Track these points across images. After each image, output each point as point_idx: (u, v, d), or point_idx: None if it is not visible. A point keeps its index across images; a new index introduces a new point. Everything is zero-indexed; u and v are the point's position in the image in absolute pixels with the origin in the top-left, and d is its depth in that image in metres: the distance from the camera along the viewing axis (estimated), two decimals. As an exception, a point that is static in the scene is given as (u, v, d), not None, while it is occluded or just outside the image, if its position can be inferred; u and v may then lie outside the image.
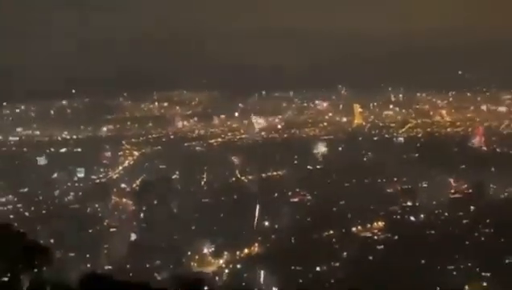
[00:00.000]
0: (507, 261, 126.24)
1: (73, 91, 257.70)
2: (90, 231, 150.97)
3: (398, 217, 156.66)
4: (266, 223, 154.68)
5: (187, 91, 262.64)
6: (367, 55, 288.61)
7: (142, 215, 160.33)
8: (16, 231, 36.83)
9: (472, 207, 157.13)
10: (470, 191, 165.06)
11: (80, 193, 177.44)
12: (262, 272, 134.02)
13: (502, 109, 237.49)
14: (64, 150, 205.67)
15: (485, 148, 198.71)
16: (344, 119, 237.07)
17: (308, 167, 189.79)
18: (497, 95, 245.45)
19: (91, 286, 33.57)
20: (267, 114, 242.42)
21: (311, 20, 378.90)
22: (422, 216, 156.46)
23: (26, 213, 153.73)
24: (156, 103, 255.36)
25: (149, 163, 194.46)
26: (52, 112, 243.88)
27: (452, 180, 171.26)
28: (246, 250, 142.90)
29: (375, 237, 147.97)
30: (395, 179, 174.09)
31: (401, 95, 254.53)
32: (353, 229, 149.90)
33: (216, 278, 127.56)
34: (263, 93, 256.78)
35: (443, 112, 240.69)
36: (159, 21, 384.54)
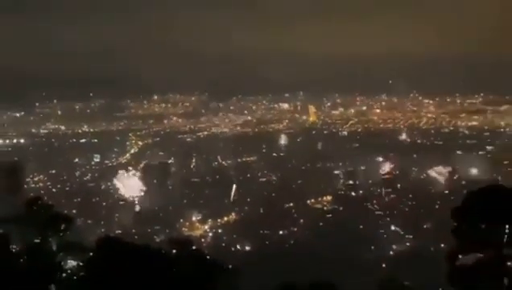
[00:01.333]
0: (425, 226, 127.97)
1: (91, 94, 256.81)
2: (104, 204, 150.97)
3: (342, 192, 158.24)
4: (241, 197, 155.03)
5: (181, 94, 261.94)
6: (320, 69, 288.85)
7: (144, 191, 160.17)
8: (45, 203, 37.01)
9: (398, 185, 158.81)
10: (397, 172, 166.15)
11: (96, 174, 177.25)
12: (238, 236, 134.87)
13: (423, 110, 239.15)
14: (83, 140, 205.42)
15: (408, 140, 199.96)
16: (303, 117, 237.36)
17: (273, 154, 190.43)
18: (418, 100, 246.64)
19: (105, 246, 33.85)
20: (242, 113, 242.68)
21: (275, 42, 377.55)
22: (360, 192, 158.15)
23: (54, 190, 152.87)
24: (156, 104, 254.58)
25: (150, 151, 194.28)
26: (74, 110, 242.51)
27: (383, 164, 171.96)
28: (225, 218, 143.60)
29: (325, 208, 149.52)
30: (340, 163, 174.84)
31: (345, 99, 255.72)
32: (308, 201, 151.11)
33: (202, 240, 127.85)
34: (239, 96, 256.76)
35: (377, 112, 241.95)
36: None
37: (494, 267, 28.53)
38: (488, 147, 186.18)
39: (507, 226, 28.56)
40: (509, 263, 28.73)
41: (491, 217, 28.86)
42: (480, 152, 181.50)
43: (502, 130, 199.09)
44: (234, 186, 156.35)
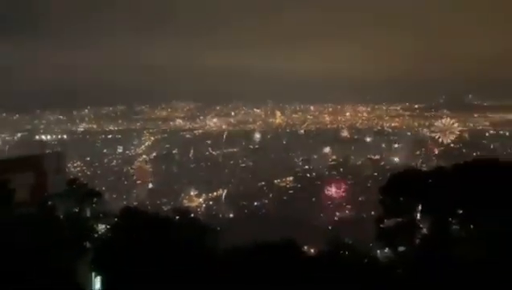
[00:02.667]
0: (360, 199, 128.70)
1: (115, 102, 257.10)
2: (125, 183, 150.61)
3: (300, 174, 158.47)
4: (226, 178, 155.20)
5: (182, 102, 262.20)
6: (284, 84, 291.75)
7: (154, 174, 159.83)
8: (82, 183, 36.91)
9: (341, 169, 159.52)
10: (341, 160, 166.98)
11: (119, 161, 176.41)
12: (224, 206, 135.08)
13: (358, 114, 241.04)
14: (110, 136, 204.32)
15: (348, 136, 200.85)
16: (271, 120, 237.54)
17: (250, 146, 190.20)
18: (355, 107, 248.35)
19: (126, 214, 33.78)
20: (228, 116, 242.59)
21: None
22: (314, 174, 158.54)
23: (88, 172, 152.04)
24: (163, 109, 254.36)
25: (159, 144, 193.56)
26: (102, 114, 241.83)
27: (329, 154, 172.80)
28: (215, 193, 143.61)
29: (287, 185, 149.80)
30: (299, 152, 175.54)
31: (303, 106, 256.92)
32: (275, 181, 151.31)
33: (198, 209, 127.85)
34: (225, 104, 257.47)
35: (326, 116, 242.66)
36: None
37: (408, 228, 28.85)
38: (405, 141, 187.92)
39: (418, 199, 28.91)
40: (420, 226, 29.06)
41: (406, 193, 29.19)
42: (399, 145, 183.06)
43: (416, 129, 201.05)
44: (223, 170, 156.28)
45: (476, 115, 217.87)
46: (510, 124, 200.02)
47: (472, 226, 27.78)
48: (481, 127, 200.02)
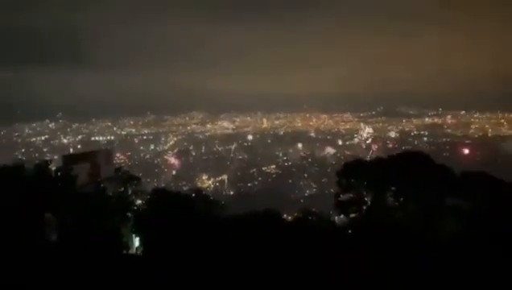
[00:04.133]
0: (323, 180, 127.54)
1: (148, 113, 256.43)
2: (156, 170, 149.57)
3: (281, 163, 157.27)
4: (228, 167, 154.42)
5: (196, 112, 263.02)
6: (268, 99, 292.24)
7: (177, 164, 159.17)
8: (125, 170, 36.68)
9: (309, 159, 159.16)
10: (308, 152, 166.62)
11: (152, 155, 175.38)
12: (227, 186, 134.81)
13: (321, 120, 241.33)
14: (145, 137, 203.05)
15: (314, 136, 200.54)
16: (260, 125, 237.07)
17: (245, 144, 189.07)
18: (319, 115, 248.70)
19: (156, 193, 33.74)
20: (229, 123, 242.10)
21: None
22: (290, 163, 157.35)
23: (129, 163, 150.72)
24: (182, 118, 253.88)
25: (180, 142, 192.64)
26: (139, 121, 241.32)
27: (301, 149, 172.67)
28: (220, 178, 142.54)
29: (272, 171, 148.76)
30: (279, 148, 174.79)
31: (282, 114, 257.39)
32: (263, 168, 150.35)
33: (208, 189, 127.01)
34: (227, 113, 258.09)
35: (298, 122, 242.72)
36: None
37: (357, 201, 29.00)
38: (355, 139, 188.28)
39: (364, 180, 29.07)
40: (365, 199, 29.22)
41: (356, 176, 29.34)
42: (350, 142, 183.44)
43: (361, 130, 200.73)
44: (226, 161, 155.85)
45: (404, 120, 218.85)
46: (428, 127, 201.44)
47: (402, 199, 28.03)
48: (407, 129, 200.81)
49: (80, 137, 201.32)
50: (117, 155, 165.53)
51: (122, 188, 33.19)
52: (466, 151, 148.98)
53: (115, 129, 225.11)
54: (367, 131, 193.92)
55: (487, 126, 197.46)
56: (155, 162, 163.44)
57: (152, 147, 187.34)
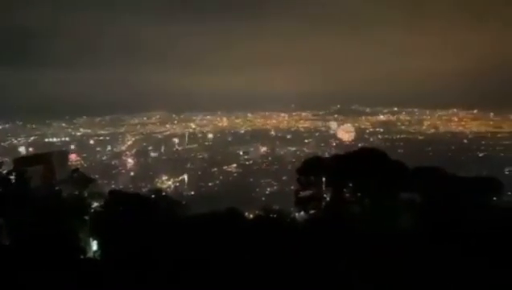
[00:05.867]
0: (284, 178, 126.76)
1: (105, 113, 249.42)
2: (113, 171, 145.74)
3: (242, 162, 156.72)
4: (189, 166, 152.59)
5: (153, 112, 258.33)
6: (231, 99, 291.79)
7: (135, 164, 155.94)
8: (80, 172, 35.63)
9: (269, 157, 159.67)
10: (269, 151, 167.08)
11: (109, 156, 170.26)
12: (187, 186, 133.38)
13: (280, 119, 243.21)
14: (101, 138, 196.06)
15: (274, 134, 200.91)
16: (220, 124, 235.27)
17: (205, 143, 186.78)
18: (279, 114, 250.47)
19: (113, 195, 32.93)
20: (189, 122, 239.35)
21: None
22: (251, 161, 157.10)
23: (85, 165, 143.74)
24: (141, 117, 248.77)
25: (138, 143, 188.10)
26: (96, 121, 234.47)
27: (262, 147, 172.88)
28: (180, 177, 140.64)
29: (233, 170, 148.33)
30: (240, 147, 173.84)
31: (242, 114, 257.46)
32: (224, 167, 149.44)
33: (168, 189, 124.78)
34: (186, 113, 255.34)
35: (259, 120, 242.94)
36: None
37: (316, 197, 29.46)
38: (319, 138, 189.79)
39: (322, 176, 29.58)
40: (324, 195, 29.72)
41: (315, 172, 29.82)
42: (310, 140, 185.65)
43: (321, 129, 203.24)
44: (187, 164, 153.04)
45: (360, 118, 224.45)
46: (383, 124, 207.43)
47: (359, 194, 28.75)
48: (363, 126, 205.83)
49: (32, 138, 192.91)
50: (73, 156, 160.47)
51: (78, 191, 32.20)
52: (419, 147, 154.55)
53: (70, 130, 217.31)
54: (337, 127, 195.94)
55: (438, 123, 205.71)
56: (113, 163, 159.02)
57: (109, 147, 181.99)
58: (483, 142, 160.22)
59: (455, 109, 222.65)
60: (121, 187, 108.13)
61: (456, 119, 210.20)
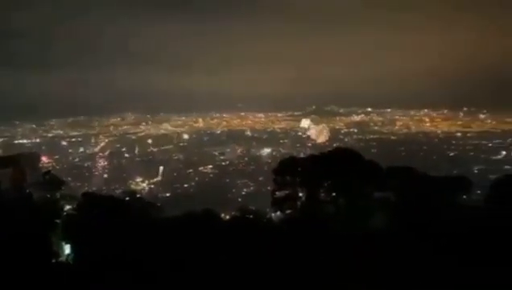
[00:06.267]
0: (260, 178, 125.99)
1: (78, 114, 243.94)
2: (87, 174, 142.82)
3: (217, 163, 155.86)
4: (163, 167, 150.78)
5: (128, 113, 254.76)
6: (204, 100, 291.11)
7: (109, 166, 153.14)
8: (52, 174, 34.85)
9: (246, 158, 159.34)
10: (244, 152, 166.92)
11: (81, 158, 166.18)
12: (162, 188, 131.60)
13: (256, 120, 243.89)
14: (73, 139, 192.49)
15: (250, 135, 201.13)
16: (196, 124, 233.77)
17: (180, 144, 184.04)
18: (255, 115, 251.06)
19: (86, 197, 32.35)
20: (164, 123, 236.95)
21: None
22: (227, 162, 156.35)
23: (57, 167, 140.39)
24: (114, 118, 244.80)
25: (111, 144, 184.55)
26: (68, 122, 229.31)
27: (237, 148, 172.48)
28: (155, 179, 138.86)
29: (208, 171, 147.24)
30: (216, 147, 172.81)
31: (218, 115, 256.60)
32: (200, 168, 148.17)
33: (142, 191, 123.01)
34: (161, 114, 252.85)
35: (235, 121, 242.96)
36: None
37: (292, 197, 29.66)
38: (295, 138, 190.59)
39: (298, 177, 29.79)
40: (300, 194, 29.94)
41: (291, 173, 30.01)
42: (286, 140, 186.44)
43: (298, 129, 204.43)
44: (161, 168, 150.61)
45: (335, 119, 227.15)
46: (357, 125, 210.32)
47: (334, 193, 29.09)
48: (338, 127, 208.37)
49: (1, 140, 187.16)
50: (44, 158, 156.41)
51: (50, 194, 31.45)
52: (392, 147, 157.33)
53: (41, 131, 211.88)
54: (312, 128, 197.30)
55: (410, 123, 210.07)
56: (86, 165, 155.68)
57: (82, 149, 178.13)
58: (453, 142, 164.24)
59: (426, 110, 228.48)
60: (94, 189, 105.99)
61: (427, 119, 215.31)
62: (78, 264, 26.92)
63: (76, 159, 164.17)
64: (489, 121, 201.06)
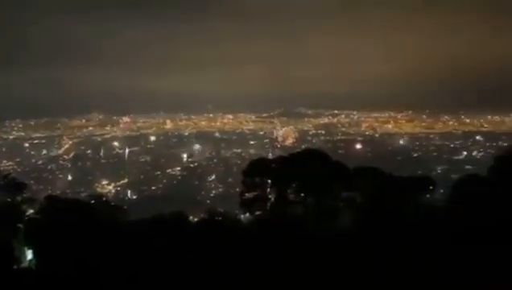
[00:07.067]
0: (229, 180, 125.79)
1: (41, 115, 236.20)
2: (50, 177, 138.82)
3: (186, 165, 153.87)
4: (130, 170, 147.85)
5: (94, 114, 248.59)
6: (172, 100, 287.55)
7: (73, 168, 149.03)
8: (13, 177, 33.67)
9: (215, 159, 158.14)
10: (214, 153, 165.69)
11: (44, 160, 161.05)
12: (129, 191, 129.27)
13: (225, 122, 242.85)
14: (36, 141, 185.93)
15: (219, 136, 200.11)
16: (164, 126, 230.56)
17: (148, 146, 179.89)
18: (226, 116, 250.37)
19: (50, 200, 31.46)
20: (130, 124, 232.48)
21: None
22: (196, 164, 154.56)
23: (19, 170, 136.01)
24: (78, 120, 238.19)
25: (76, 146, 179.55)
26: (31, 124, 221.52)
27: (207, 149, 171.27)
28: (121, 181, 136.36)
29: (177, 173, 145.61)
30: (184, 149, 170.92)
31: (186, 116, 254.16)
32: (168, 170, 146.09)
33: (109, 194, 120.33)
34: (130, 115, 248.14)
35: (203, 122, 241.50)
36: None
37: (262, 198, 29.76)
38: (264, 140, 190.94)
39: (267, 178, 29.94)
40: (269, 196, 30.09)
41: (260, 174, 30.11)
42: (255, 142, 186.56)
43: (266, 130, 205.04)
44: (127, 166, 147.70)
45: (303, 120, 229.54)
46: (324, 126, 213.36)
47: (302, 194, 29.39)
48: (306, 128, 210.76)
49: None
50: (5, 161, 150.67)
51: (11, 197, 30.31)
52: (358, 148, 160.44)
53: (1, 133, 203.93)
54: (281, 129, 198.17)
55: (376, 125, 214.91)
56: (49, 167, 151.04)
57: (45, 151, 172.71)
58: (417, 143, 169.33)
59: (391, 113, 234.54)
60: (58, 192, 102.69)
61: (392, 121, 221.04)
62: (41, 270, 26.10)
63: (39, 162, 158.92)
64: (451, 122, 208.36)
